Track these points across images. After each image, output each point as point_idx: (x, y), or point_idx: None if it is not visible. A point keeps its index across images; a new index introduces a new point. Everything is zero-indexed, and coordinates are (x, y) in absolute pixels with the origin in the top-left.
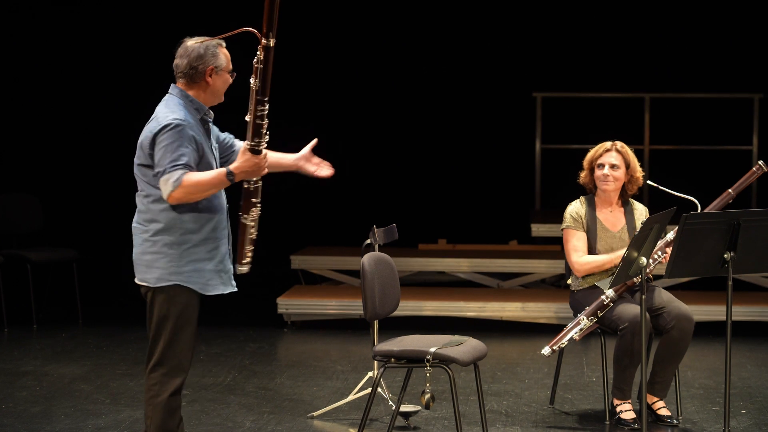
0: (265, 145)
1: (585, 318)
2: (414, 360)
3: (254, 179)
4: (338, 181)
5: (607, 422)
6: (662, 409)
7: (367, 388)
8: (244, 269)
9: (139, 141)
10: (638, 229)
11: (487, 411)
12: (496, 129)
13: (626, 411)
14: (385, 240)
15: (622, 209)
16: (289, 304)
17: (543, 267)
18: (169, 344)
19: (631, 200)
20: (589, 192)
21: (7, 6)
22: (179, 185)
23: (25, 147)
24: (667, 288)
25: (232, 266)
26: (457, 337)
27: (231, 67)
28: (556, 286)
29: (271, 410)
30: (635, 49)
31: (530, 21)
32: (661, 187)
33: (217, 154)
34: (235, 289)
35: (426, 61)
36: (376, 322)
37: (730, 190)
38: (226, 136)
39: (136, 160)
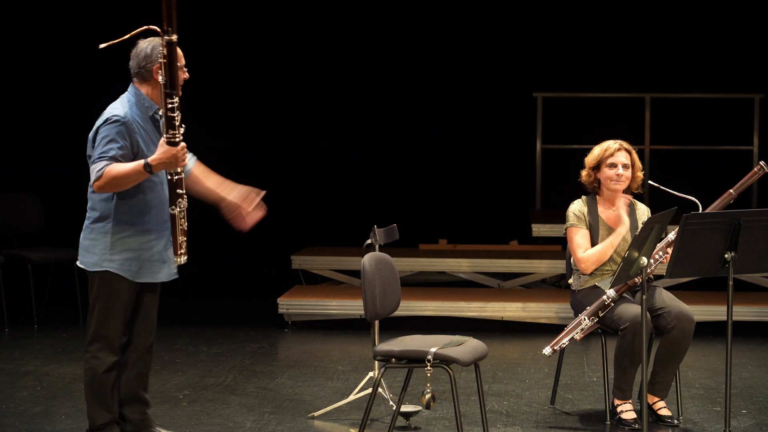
0: (181, 137)
1: (586, 318)
2: (415, 360)
3: (176, 171)
4: (339, 181)
5: (608, 422)
6: (663, 409)
7: (367, 389)
8: (181, 260)
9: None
10: (639, 229)
11: (487, 411)
12: (497, 129)
13: (627, 411)
14: (385, 240)
15: (625, 208)
16: (290, 304)
17: (544, 267)
18: (100, 324)
19: (633, 200)
20: (591, 191)
21: (6, 5)
22: (101, 175)
23: (25, 147)
24: (667, 288)
25: (172, 256)
26: (457, 338)
27: (181, 62)
28: (556, 286)
29: (272, 410)
30: (636, 49)
31: (530, 21)
32: (662, 187)
33: None
34: (175, 277)
35: (426, 61)
36: (376, 322)
37: (731, 191)
38: None
39: (87, 152)
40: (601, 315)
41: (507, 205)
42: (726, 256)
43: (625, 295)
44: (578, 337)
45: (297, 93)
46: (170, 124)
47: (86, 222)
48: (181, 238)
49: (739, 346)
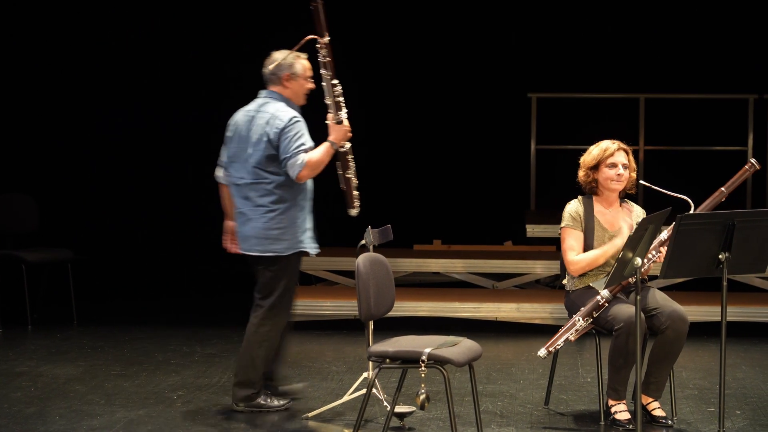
0: (344, 116)
1: (580, 319)
2: (409, 361)
3: (343, 144)
4: (333, 182)
5: (602, 423)
6: (657, 409)
7: (362, 389)
8: (355, 211)
9: (257, 137)
10: (634, 230)
11: (482, 412)
12: (491, 130)
13: (621, 411)
14: (380, 240)
15: (620, 209)
16: None
17: (538, 268)
18: (280, 299)
19: (628, 201)
20: (588, 191)
21: (4, 5)
22: (305, 165)
23: (20, 147)
24: (661, 288)
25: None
26: (452, 338)
27: (309, 75)
28: (551, 286)
29: (266, 411)
30: (630, 49)
31: (525, 22)
32: (654, 187)
33: None
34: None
35: (421, 61)
36: (371, 323)
37: (722, 189)
38: None
39: (255, 154)
40: (595, 315)
41: (501, 206)
42: (720, 256)
43: (619, 295)
44: (572, 338)
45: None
46: (338, 106)
47: (269, 214)
48: (355, 193)
49: (732, 347)
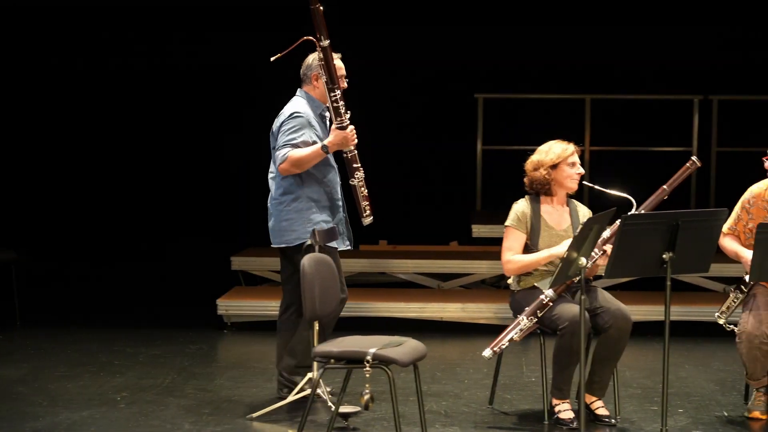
0: (348, 121)
1: (525, 318)
2: (353, 361)
3: (349, 149)
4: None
5: (546, 422)
6: (600, 408)
7: (306, 389)
8: (367, 220)
9: (274, 132)
10: (578, 230)
11: (426, 411)
12: (438, 130)
13: (565, 411)
14: (325, 241)
15: (567, 209)
16: (229, 306)
17: (483, 268)
18: (295, 290)
19: (573, 200)
20: (540, 191)
21: None
22: (285, 159)
23: None
24: (606, 288)
25: (348, 229)
26: (396, 338)
27: (340, 74)
28: (495, 286)
29: (211, 412)
30: (576, 50)
31: (471, 22)
32: (596, 187)
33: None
34: (350, 248)
35: (368, 60)
36: (316, 323)
37: (664, 186)
38: None
39: (273, 149)
40: (539, 315)
41: (447, 206)
42: (664, 256)
43: (563, 294)
44: (517, 338)
45: (220, 91)
46: (337, 112)
47: (280, 206)
48: (364, 203)
49: (676, 346)
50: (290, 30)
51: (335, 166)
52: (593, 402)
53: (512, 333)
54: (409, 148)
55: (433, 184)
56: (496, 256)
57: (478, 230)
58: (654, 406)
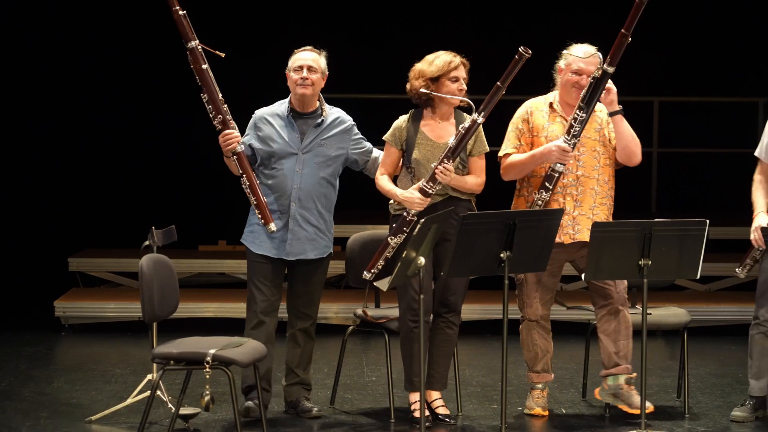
0: (220, 126)
1: (394, 237)
2: (193, 362)
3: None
4: (117, 181)
5: (392, 421)
6: (441, 408)
7: (146, 391)
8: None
9: None
10: (417, 229)
11: (267, 412)
12: None
13: (419, 409)
14: (164, 241)
15: (452, 122)
16: (67, 307)
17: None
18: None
19: (463, 113)
20: (423, 104)
21: None
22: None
23: None
24: None
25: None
26: (236, 339)
27: (296, 65)
28: (336, 286)
29: (49, 415)
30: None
31: (310, 24)
32: (439, 94)
33: (325, 149)
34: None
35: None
36: (155, 324)
37: (498, 83)
38: (363, 145)
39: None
40: (405, 231)
41: None
42: (502, 255)
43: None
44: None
45: (75, 89)
46: (211, 115)
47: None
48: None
49: (515, 344)
50: None
51: (289, 171)
52: (434, 400)
53: (385, 252)
54: None
55: None
56: (336, 255)
57: None
58: (493, 404)
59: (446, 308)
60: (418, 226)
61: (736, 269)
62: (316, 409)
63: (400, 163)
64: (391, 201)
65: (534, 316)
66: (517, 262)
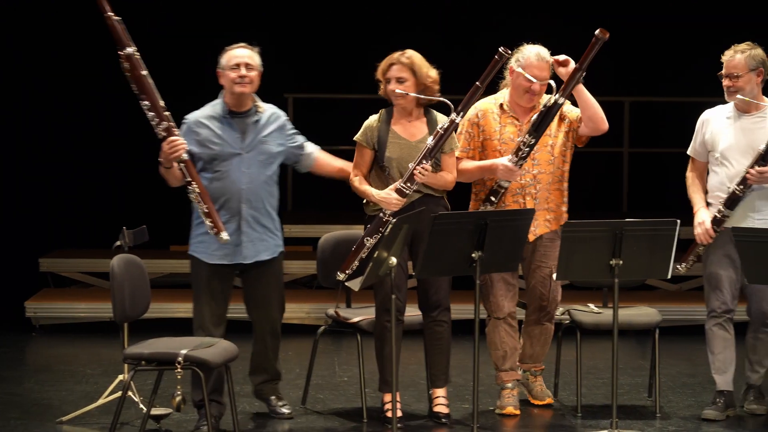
0: (165, 133)
1: (369, 238)
2: (164, 362)
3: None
4: (88, 182)
5: (365, 421)
6: (439, 406)
7: (117, 392)
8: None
9: None
10: (388, 229)
11: (239, 412)
12: None
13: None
14: (135, 241)
15: (423, 119)
16: (38, 308)
17: (295, 267)
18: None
19: (433, 111)
20: (390, 103)
21: None
22: None
23: None
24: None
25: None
26: (208, 339)
27: (233, 63)
28: (308, 286)
29: (19, 416)
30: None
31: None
32: (411, 94)
33: (267, 146)
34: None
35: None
36: (126, 325)
37: (477, 83)
38: (296, 139)
39: None
40: (381, 231)
41: None
42: (473, 255)
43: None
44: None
45: (45, 89)
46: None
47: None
48: (208, 217)
49: (486, 344)
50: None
51: (235, 173)
52: (437, 398)
53: (360, 253)
54: None
55: None
56: (308, 256)
57: (290, 230)
58: (465, 404)
59: (431, 307)
60: (389, 226)
61: (678, 266)
62: (287, 409)
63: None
64: (366, 201)
65: (502, 314)
66: (488, 262)
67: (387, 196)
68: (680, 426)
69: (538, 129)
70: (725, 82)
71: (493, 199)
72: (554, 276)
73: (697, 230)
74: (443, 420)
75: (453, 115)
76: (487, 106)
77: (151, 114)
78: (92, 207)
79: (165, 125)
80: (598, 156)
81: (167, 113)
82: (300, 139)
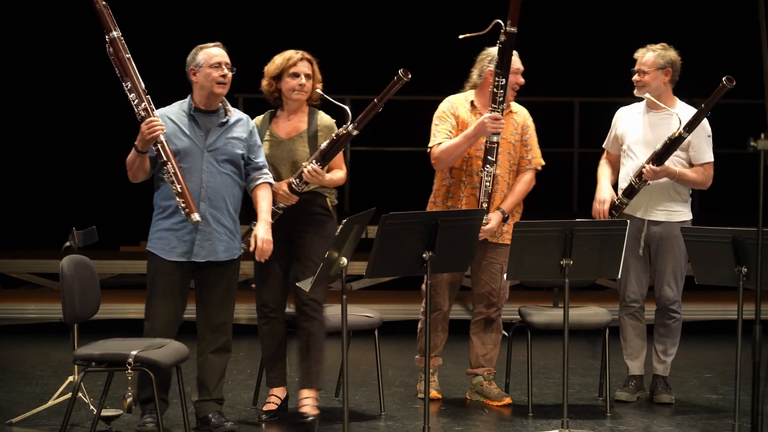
0: (143, 113)
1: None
2: (115, 363)
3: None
4: (36, 182)
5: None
6: (306, 407)
7: (67, 393)
8: (192, 216)
9: None
10: (339, 229)
11: (190, 413)
12: None
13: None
14: (84, 242)
15: (305, 117)
16: None
17: (247, 269)
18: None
19: (316, 110)
20: (273, 102)
21: None
22: None
23: None
24: (366, 288)
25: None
26: (158, 340)
27: (214, 61)
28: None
29: None
30: (337, 52)
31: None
32: (327, 97)
33: (230, 148)
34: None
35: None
36: (76, 326)
37: (375, 100)
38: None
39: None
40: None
41: None
42: (424, 255)
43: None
44: None
45: None
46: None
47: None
48: (180, 200)
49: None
50: None
51: (195, 170)
52: (303, 399)
53: None
54: None
55: None
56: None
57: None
58: (416, 404)
59: (301, 301)
60: (340, 226)
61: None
62: (230, 423)
63: None
64: None
65: (441, 313)
66: (439, 263)
67: (277, 187)
68: (630, 425)
69: (504, 67)
70: (634, 77)
71: (490, 158)
72: (505, 276)
73: (596, 206)
74: (309, 419)
75: (350, 127)
76: (458, 100)
77: (132, 96)
78: (41, 208)
79: (144, 105)
80: (549, 156)
81: (147, 96)
82: (261, 161)
